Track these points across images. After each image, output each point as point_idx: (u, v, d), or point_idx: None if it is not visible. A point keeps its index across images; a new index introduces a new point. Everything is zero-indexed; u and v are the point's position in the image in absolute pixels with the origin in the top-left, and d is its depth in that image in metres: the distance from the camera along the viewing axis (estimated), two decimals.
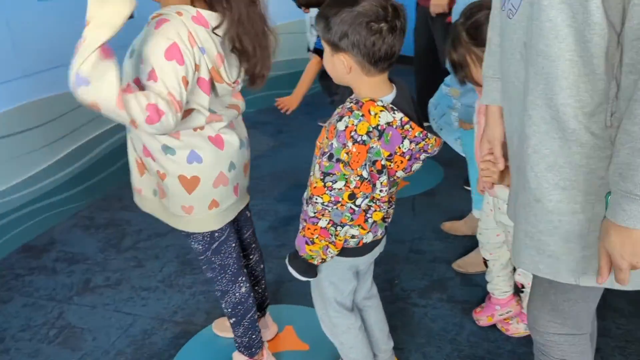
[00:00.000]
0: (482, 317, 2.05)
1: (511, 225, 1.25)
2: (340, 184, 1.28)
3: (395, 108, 1.28)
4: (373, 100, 1.27)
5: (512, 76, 1.12)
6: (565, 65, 0.97)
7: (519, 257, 1.17)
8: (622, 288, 1.06)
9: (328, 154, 1.27)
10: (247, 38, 1.44)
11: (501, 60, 1.18)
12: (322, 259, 1.41)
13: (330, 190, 1.29)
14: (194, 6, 1.39)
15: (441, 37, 3.32)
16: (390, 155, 1.30)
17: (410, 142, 1.31)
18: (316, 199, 1.31)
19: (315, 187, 1.30)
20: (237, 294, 1.73)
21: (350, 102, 1.29)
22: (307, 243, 1.38)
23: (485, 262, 2.03)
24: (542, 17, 0.97)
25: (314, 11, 3.35)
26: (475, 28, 1.57)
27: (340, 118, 1.27)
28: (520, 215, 1.15)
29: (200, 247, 1.66)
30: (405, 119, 1.28)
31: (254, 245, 1.90)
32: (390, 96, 1.33)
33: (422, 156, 1.38)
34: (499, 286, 2.01)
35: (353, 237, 1.42)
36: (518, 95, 1.10)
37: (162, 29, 1.32)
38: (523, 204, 1.13)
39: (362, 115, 1.25)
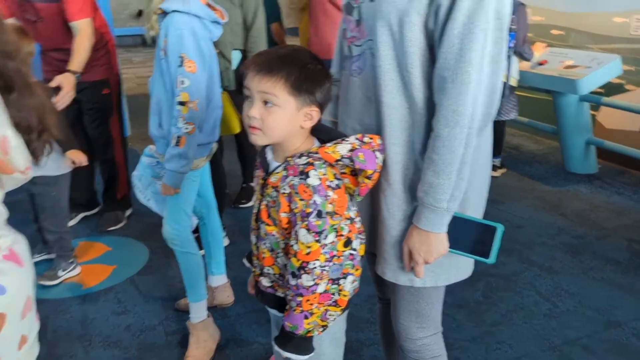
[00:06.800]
0: None
1: None
2: (331, 237, 1.22)
3: (342, 134, 1.29)
4: (319, 147, 1.26)
5: (355, 122, 1.37)
6: (400, 113, 1.27)
7: (381, 269, 1.39)
8: (446, 283, 1.36)
9: (315, 212, 1.20)
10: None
11: (342, 109, 1.42)
12: (323, 326, 1.29)
13: (324, 248, 1.22)
14: None
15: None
16: (374, 171, 1.26)
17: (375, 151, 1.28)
18: (313, 264, 1.22)
19: (309, 253, 1.22)
20: None
21: (301, 158, 1.26)
22: (305, 317, 1.26)
23: None
24: (384, 77, 1.26)
25: None
26: None
27: (305, 176, 1.22)
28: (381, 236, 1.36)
29: None
30: (360, 135, 1.27)
31: None
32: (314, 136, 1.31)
33: None
34: None
35: (352, 282, 1.30)
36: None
37: None
38: (381, 223, 1.36)
39: (324, 162, 1.24)
